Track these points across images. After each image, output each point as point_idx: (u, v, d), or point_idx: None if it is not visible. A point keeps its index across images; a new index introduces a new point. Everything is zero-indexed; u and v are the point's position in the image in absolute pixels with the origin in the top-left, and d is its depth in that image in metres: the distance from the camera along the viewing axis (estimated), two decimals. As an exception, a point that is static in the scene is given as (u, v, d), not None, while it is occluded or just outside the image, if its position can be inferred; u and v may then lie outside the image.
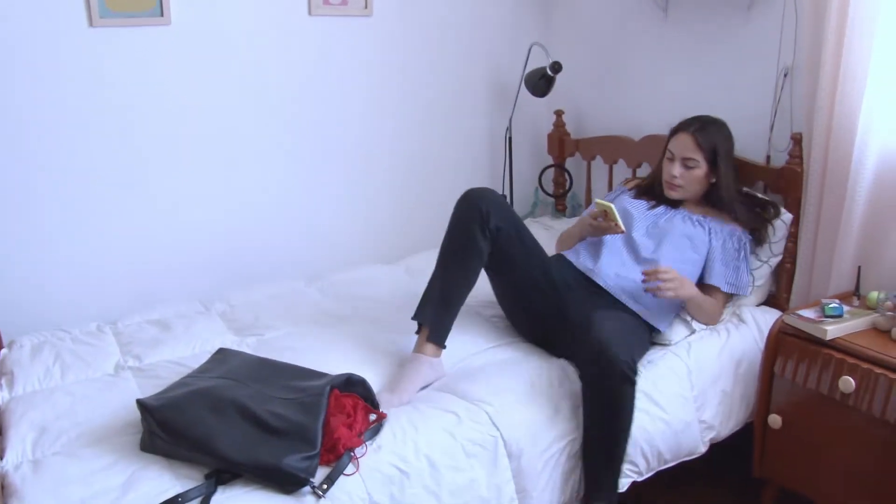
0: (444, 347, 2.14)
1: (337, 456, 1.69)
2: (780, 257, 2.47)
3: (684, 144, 2.39)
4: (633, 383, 1.93)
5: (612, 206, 2.31)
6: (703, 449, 2.25)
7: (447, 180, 3.35)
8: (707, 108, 2.78)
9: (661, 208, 2.49)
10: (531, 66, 3.18)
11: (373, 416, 1.87)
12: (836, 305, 2.14)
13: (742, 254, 2.38)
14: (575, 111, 3.40)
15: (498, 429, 1.88)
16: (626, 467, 2.07)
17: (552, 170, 3.41)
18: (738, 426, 2.34)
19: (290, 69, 2.92)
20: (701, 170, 2.38)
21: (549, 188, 3.43)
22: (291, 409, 1.76)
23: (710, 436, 2.26)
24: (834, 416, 2.07)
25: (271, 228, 3.03)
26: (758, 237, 2.44)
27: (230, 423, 1.71)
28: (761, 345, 2.34)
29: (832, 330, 2.07)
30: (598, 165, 3.26)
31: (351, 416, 1.79)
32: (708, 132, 2.38)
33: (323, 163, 3.08)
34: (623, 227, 2.30)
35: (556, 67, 3.06)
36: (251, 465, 1.63)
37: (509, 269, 2.24)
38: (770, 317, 2.42)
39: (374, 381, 2.03)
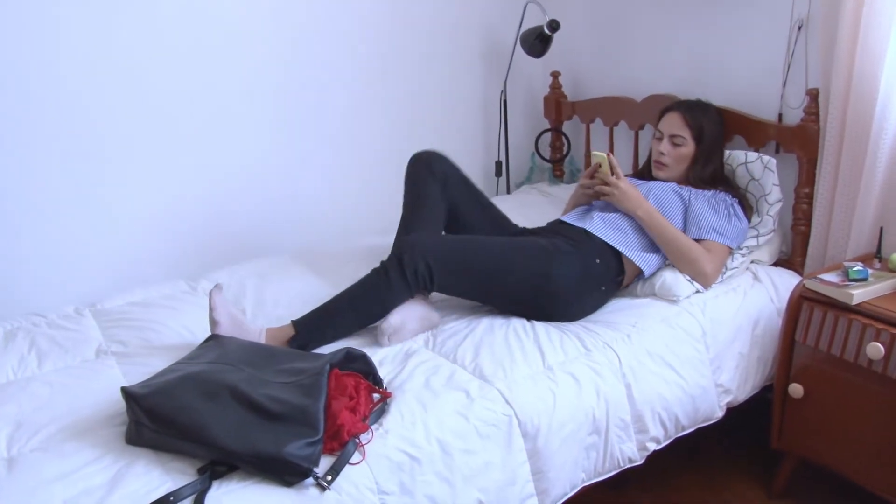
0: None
1: (341, 444, 1.56)
2: (780, 203, 2.35)
3: (672, 122, 2.39)
4: (391, 271, 2.00)
5: (606, 156, 2.27)
6: (720, 414, 2.17)
7: (441, 146, 3.19)
8: (714, 65, 2.66)
9: (643, 181, 2.48)
10: (527, 26, 3.03)
11: (377, 396, 1.75)
12: (861, 268, 2.03)
13: (732, 210, 2.29)
14: (572, 72, 3.26)
15: (511, 407, 1.76)
16: (643, 437, 1.97)
17: (549, 134, 3.27)
18: (755, 390, 2.26)
19: (274, 32, 2.75)
20: (688, 148, 2.37)
21: (546, 153, 3.30)
22: (290, 392, 1.63)
23: (726, 400, 2.17)
24: (860, 384, 1.97)
25: (258, 202, 2.87)
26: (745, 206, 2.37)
27: (224, 409, 1.58)
28: (777, 305, 2.26)
29: (858, 294, 1.96)
30: (598, 128, 3.12)
31: (354, 398, 1.66)
32: (696, 112, 2.38)
33: (311, 132, 2.92)
34: (616, 169, 2.28)
35: (554, 26, 2.91)
36: (249, 454, 1.49)
37: (464, 217, 2.37)
38: (787, 278, 2.34)
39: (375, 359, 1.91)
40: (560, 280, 2.12)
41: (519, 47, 3.06)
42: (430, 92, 3.15)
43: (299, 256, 2.70)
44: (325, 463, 1.53)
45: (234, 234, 2.84)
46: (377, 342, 2.01)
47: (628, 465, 1.96)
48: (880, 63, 2.10)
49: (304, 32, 2.81)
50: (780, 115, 2.49)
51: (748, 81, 2.56)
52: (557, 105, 3.22)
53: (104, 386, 1.82)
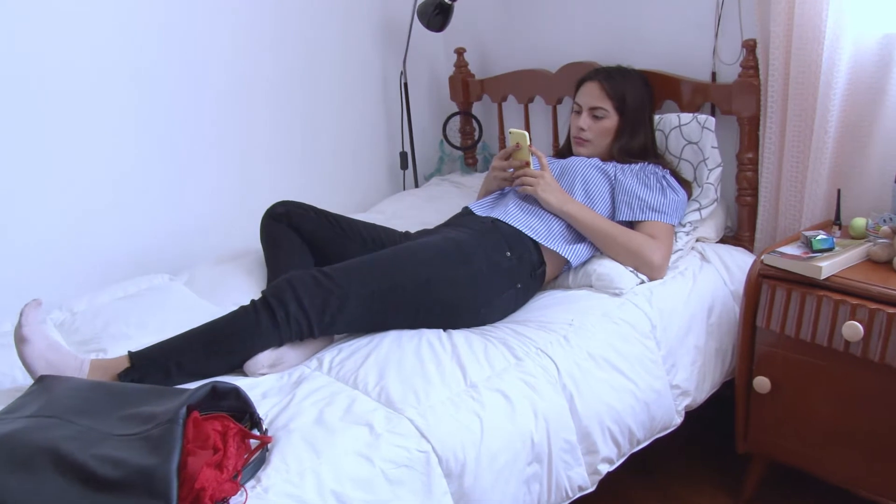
0: None
1: (201, 514, 1.17)
2: (720, 168, 2.07)
3: (591, 93, 2.13)
4: (261, 312, 1.64)
5: (527, 134, 1.99)
6: (678, 420, 1.86)
7: (337, 140, 2.82)
8: (635, 23, 2.38)
9: (558, 159, 2.23)
10: (423, -5, 2.68)
11: (255, 443, 1.35)
12: (825, 237, 1.75)
13: (664, 182, 2.01)
14: (478, 47, 2.92)
15: (428, 441, 1.39)
16: (593, 459, 1.64)
17: (458, 118, 2.93)
18: (714, 388, 1.96)
19: (143, 14, 2.31)
20: (611, 121, 2.11)
21: (456, 140, 2.95)
22: (133, 448, 1.25)
23: (685, 403, 1.87)
24: (836, 371, 1.70)
25: (128, 214, 2.40)
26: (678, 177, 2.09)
27: (41, 482, 1.19)
28: (732, 287, 1.97)
29: (827, 266, 1.67)
30: (511, 107, 2.79)
31: (219, 449, 1.26)
32: (616, 80, 2.12)
33: (187, 130, 2.47)
34: (542, 161, 2.02)
35: (454, -7, 2.57)
36: (71, 544, 1.09)
37: (330, 247, 2.08)
38: (738, 256, 2.06)
39: (256, 392, 1.53)
40: (461, 283, 1.79)
41: (417, 21, 2.70)
42: (323, 80, 2.75)
43: (177, 275, 2.28)
44: (180, 543, 1.13)
45: (98, 256, 2.37)
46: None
47: (579, 495, 1.61)
48: (825, 3, 1.82)
49: (179, 17, 2.38)
50: (714, 74, 2.20)
51: (675, 39, 2.28)
52: (464, 85, 2.88)
53: None
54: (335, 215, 2.14)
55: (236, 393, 1.41)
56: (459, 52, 2.87)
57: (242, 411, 1.41)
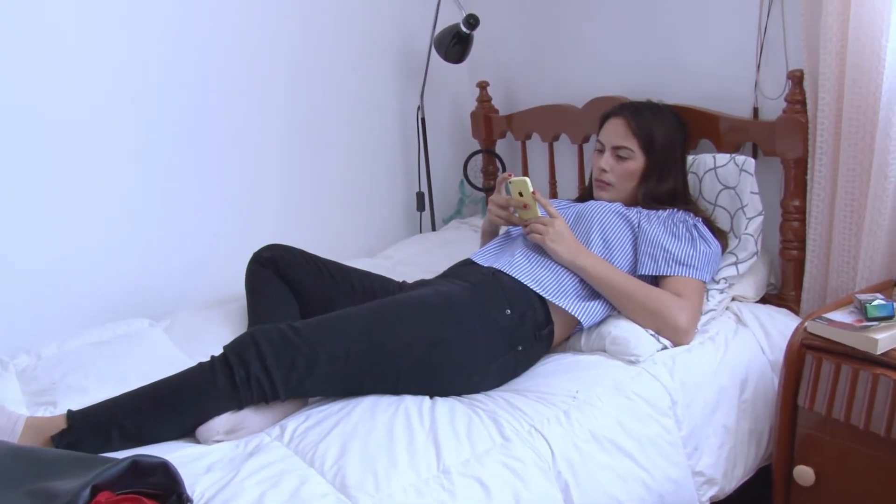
0: None
1: None
2: (761, 217, 1.81)
3: (615, 130, 1.91)
4: (218, 371, 1.45)
5: (528, 180, 1.75)
6: None
7: (350, 182, 2.64)
8: (669, 53, 2.16)
9: (573, 203, 2.03)
10: (442, 25, 2.49)
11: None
12: (883, 302, 1.47)
13: (695, 232, 1.75)
14: (502, 81, 2.71)
15: (381, 539, 1.15)
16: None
17: (479, 157, 2.71)
18: (748, 475, 1.69)
19: (136, 31, 2.17)
20: (636, 162, 1.88)
21: (478, 180, 2.73)
22: None
23: (710, 493, 1.60)
24: (894, 465, 1.39)
25: (122, 253, 2.25)
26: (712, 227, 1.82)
27: None
28: (771, 357, 1.71)
29: (884, 339, 1.40)
30: (536, 146, 2.57)
31: (120, 542, 1.06)
32: (644, 116, 1.90)
33: (187, 164, 2.32)
34: (549, 209, 1.77)
35: (472, 21, 2.37)
36: None
37: (317, 296, 1.92)
38: (780, 319, 1.78)
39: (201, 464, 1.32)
40: (449, 345, 1.56)
41: (434, 53, 2.52)
42: (336, 113, 2.58)
43: (159, 320, 2.11)
44: None
45: (81, 298, 2.21)
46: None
47: None
48: (884, 25, 1.57)
49: (181, 38, 2.24)
50: (756, 110, 1.95)
51: (712, 70, 2.04)
52: (487, 121, 2.67)
53: None
54: (326, 262, 1.95)
55: (164, 468, 1.20)
56: (482, 85, 2.67)
57: (168, 490, 1.20)
